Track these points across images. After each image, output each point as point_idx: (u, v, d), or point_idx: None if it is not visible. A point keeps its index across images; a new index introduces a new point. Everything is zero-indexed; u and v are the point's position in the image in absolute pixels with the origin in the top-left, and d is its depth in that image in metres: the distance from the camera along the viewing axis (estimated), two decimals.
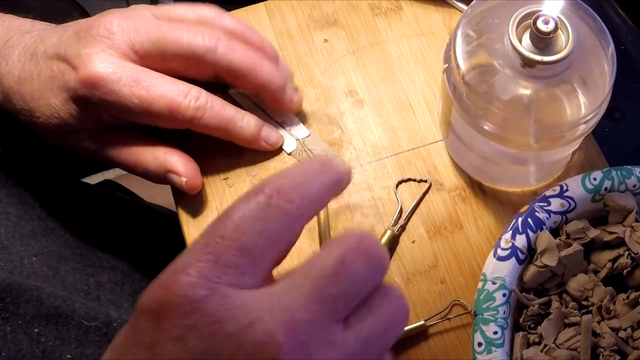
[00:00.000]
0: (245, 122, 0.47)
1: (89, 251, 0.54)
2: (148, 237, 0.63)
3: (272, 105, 0.50)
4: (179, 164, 0.47)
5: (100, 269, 0.54)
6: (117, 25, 0.44)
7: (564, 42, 0.39)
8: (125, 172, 0.90)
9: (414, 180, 0.49)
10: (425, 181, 0.49)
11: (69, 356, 0.46)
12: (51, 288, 0.47)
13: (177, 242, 0.54)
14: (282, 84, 0.48)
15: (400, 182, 0.49)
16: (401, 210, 0.48)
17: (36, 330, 0.45)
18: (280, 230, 0.28)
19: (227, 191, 0.50)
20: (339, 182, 0.31)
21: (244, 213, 0.28)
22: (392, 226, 0.48)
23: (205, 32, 0.45)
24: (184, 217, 0.49)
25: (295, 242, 0.30)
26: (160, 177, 0.47)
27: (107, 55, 0.44)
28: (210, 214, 0.49)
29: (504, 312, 0.41)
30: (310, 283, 0.28)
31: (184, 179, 0.46)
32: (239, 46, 0.45)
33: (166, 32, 0.44)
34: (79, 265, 0.52)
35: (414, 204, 0.49)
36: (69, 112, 0.45)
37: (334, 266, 0.28)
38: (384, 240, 0.47)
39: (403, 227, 0.48)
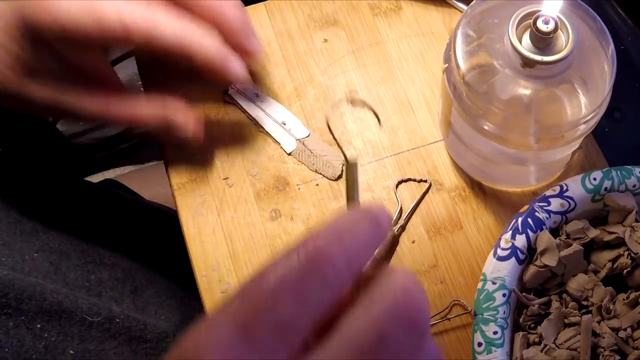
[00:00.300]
0: (209, 37, 0.41)
1: (90, 248, 0.54)
2: (148, 235, 0.64)
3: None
4: (179, 112, 0.44)
5: (101, 266, 0.54)
6: None
7: (564, 42, 0.39)
8: (125, 172, 0.90)
9: (414, 180, 0.49)
10: (425, 181, 0.49)
11: (71, 352, 0.46)
12: (53, 284, 0.47)
13: (177, 241, 0.54)
14: (219, 57, 0.42)
15: (400, 182, 0.49)
16: (401, 210, 0.48)
17: (39, 325, 0.45)
18: (321, 300, 0.25)
19: (227, 191, 0.50)
20: (384, 236, 0.28)
21: (283, 277, 0.25)
22: (392, 226, 0.48)
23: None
24: (184, 217, 0.49)
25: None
26: (158, 126, 0.44)
27: None
28: (210, 214, 0.49)
29: (504, 312, 0.41)
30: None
31: (186, 133, 0.44)
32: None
33: None
34: (80, 262, 0.52)
35: (413, 204, 0.49)
36: (23, 48, 0.41)
37: (372, 342, 0.25)
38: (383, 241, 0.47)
39: (403, 227, 0.48)
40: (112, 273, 0.54)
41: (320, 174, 0.49)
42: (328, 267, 0.25)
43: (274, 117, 0.50)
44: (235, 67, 0.43)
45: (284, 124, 0.50)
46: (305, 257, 0.25)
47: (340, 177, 0.49)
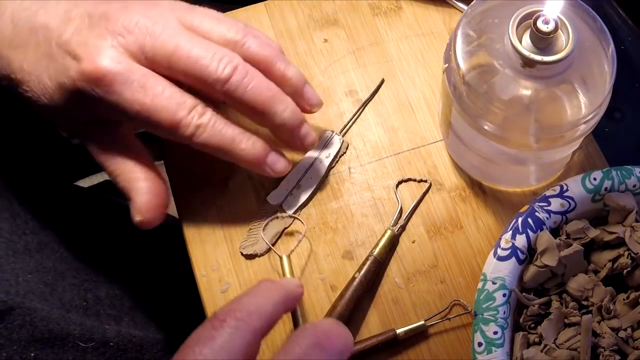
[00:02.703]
0: (250, 143, 0.44)
1: (86, 265, 0.53)
2: (146, 247, 0.62)
3: (284, 143, 0.47)
4: (139, 194, 0.43)
5: (98, 284, 0.53)
6: (136, 26, 0.41)
7: (564, 42, 0.39)
8: None
9: (414, 180, 0.49)
10: (425, 181, 0.49)
11: None
12: (47, 308, 0.46)
13: (177, 252, 0.53)
14: (295, 125, 0.45)
15: (400, 182, 0.49)
16: (401, 210, 0.48)
17: (32, 354, 0.44)
18: (233, 344, 0.32)
19: (227, 191, 0.50)
20: (287, 297, 0.36)
21: (198, 337, 0.32)
22: (392, 226, 0.48)
23: (223, 59, 0.41)
24: (184, 218, 0.49)
25: (256, 352, 0.33)
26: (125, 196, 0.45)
27: (116, 53, 0.40)
28: (210, 215, 0.49)
29: (504, 312, 0.41)
30: None
31: (137, 217, 0.43)
32: (255, 81, 0.42)
33: (181, 48, 0.41)
34: (76, 281, 0.51)
35: (414, 204, 0.49)
36: (61, 97, 0.41)
37: None
38: (383, 240, 0.47)
39: (403, 227, 0.48)
40: (110, 290, 0.53)
41: (246, 242, 0.48)
42: (234, 320, 0.33)
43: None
44: (273, 168, 0.45)
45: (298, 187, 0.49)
46: (217, 320, 0.33)
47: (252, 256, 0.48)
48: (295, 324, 0.44)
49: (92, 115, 0.43)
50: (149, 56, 0.41)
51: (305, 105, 0.46)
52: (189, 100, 0.42)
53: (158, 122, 0.41)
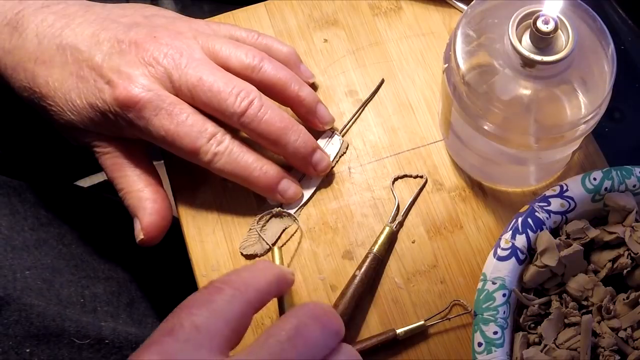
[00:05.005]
0: (263, 171, 0.46)
1: (84, 262, 0.53)
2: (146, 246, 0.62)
3: (298, 169, 0.49)
4: (146, 214, 0.45)
5: (95, 280, 0.53)
6: (165, 57, 0.44)
7: (564, 42, 0.39)
8: None
9: (410, 176, 0.49)
10: (422, 177, 0.49)
11: None
12: (43, 305, 0.46)
13: (175, 249, 0.53)
14: (307, 153, 0.47)
15: (396, 179, 0.49)
16: (398, 207, 0.48)
17: (28, 350, 0.44)
18: (229, 309, 0.33)
19: (227, 191, 0.50)
20: (280, 279, 0.37)
21: (195, 300, 0.33)
22: (390, 223, 0.48)
23: (240, 93, 0.44)
24: (184, 217, 0.49)
25: (248, 325, 0.34)
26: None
27: (147, 81, 0.43)
28: (210, 215, 0.49)
29: (504, 312, 0.41)
30: (266, 351, 0.31)
31: (140, 235, 0.45)
32: (269, 114, 0.45)
33: (204, 82, 0.44)
34: (74, 278, 0.51)
35: (410, 199, 0.49)
36: (90, 116, 0.44)
37: (288, 333, 0.32)
38: (382, 237, 0.47)
39: (401, 224, 0.48)
40: (107, 287, 0.53)
41: (246, 243, 0.48)
42: (231, 289, 0.34)
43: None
44: (284, 194, 0.48)
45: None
46: (213, 287, 0.34)
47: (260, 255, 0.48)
48: (282, 314, 0.44)
49: (116, 134, 0.46)
50: (175, 85, 0.44)
51: (318, 123, 0.49)
52: (210, 128, 0.44)
53: (180, 147, 0.44)
